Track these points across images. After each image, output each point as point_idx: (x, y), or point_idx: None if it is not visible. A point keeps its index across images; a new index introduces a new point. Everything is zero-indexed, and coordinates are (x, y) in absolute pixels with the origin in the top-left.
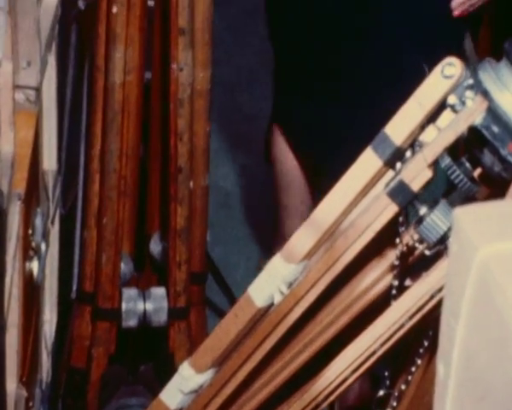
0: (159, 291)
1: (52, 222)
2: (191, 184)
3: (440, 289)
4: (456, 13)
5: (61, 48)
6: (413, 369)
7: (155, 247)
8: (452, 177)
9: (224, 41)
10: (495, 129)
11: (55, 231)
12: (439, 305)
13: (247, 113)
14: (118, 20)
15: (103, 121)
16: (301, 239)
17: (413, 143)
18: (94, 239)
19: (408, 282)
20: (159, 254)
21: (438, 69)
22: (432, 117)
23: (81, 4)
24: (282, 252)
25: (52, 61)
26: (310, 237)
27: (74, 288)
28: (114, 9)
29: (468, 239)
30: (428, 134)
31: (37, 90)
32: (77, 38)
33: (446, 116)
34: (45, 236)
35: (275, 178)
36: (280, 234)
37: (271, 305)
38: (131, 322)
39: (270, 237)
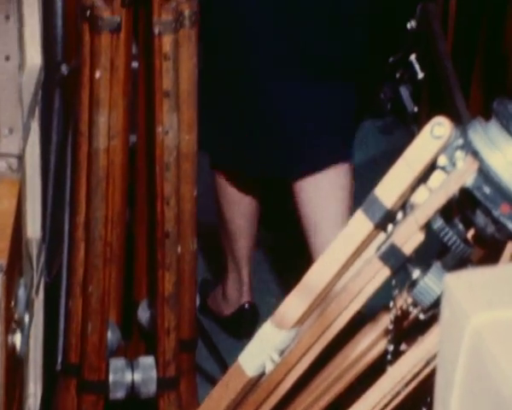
0: (147, 361)
1: (36, 291)
2: (179, 248)
3: (436, 356)
4: None
5: (44, 113)
6: None
7: (143, 314)
8: (445, 239)
9: None
10: (486, 190)
11: (39, 301)
12: (435, 371)
13: None
14: (101, 85)
15: (88, 188)
16: (293, 304)
17: (404, 205)
18: (79, 308)
19: (403, 346)
20: (147, 322)
21: (427, 129)
22: (423, 177)
23: (64, 69)
24: (272, 318)
25: (35, 127)
26: (301, 302)
27: (59, 360)
28: (97, 74)
29: (460, 307)
30: (420, 195)
31: (20, 157)
32: (60, 103)
33: (437, 176)
34: (29, 307)
35: (223, 204)
36: (232, 255)
37: (263, 373)
38: (119, 394)
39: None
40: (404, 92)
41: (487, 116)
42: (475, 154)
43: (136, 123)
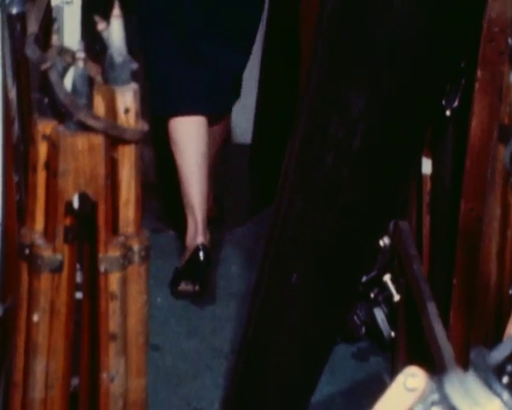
0: None
1: None
2: None
3: None
4: None
5: None
6: None
7: None
8: None
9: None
10: None
11: None
12: None
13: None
14: (39, 330)
15: None
16: None
17: None
18: None
19: None
20: None
21: (399, 380)
22: None
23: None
24: None
25: None
26: None
27: None
28: (35, 317)
29: None
30: None
31: None
32: None
33: None
34: None
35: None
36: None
37: None
38: None
39: None
40: (379, 315)
41: (470, 346)
42: None
43: (78, 364)
